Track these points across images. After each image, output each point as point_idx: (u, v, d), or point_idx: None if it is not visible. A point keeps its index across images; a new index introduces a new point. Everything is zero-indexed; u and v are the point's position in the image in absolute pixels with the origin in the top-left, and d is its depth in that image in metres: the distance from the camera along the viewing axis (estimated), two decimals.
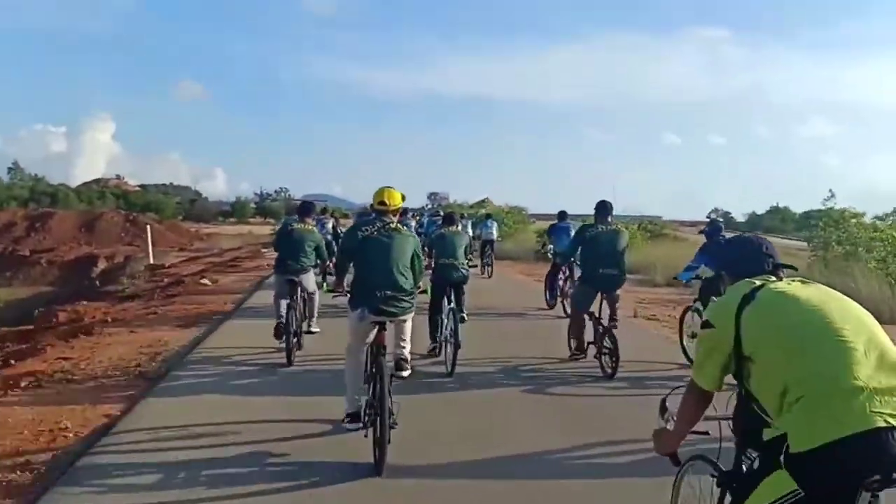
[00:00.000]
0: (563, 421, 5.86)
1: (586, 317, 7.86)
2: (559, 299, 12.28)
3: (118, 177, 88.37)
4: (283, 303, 7.99)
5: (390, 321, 5.15)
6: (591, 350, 7.75)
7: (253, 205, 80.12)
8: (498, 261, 19.98)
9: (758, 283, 2.43)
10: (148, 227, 30.06)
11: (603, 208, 7.99)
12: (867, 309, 2.38)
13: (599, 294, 7.85)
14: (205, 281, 16.89)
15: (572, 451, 5.07)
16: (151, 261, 25.01)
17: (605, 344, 7.47)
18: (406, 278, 5.16)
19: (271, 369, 7.51)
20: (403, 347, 5.45)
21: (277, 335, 7.91)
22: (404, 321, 5.31)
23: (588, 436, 5.39)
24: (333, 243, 9.84)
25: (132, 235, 39.06)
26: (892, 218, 16.08)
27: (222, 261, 24.44)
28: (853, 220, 15.92)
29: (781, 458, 2.10)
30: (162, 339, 9.17)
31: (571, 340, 8.15)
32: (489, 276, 17.64)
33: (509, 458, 4.88)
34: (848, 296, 2.44)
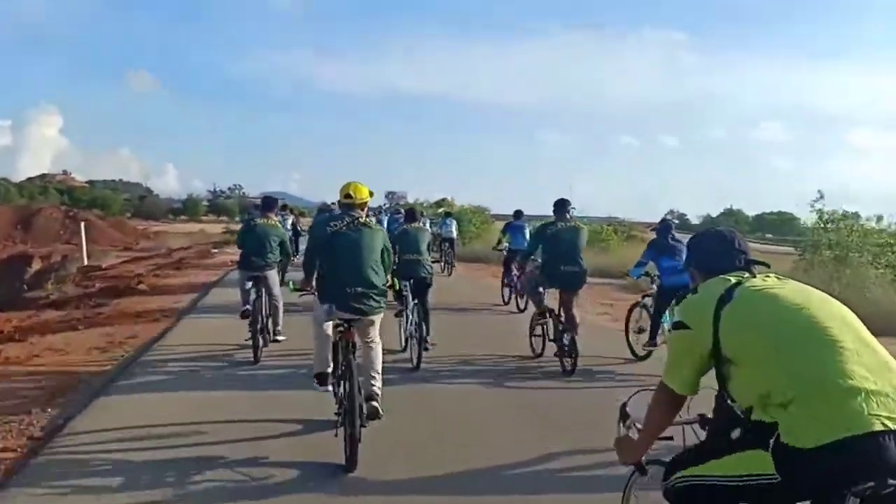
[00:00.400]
0: (523, 417, 5.88)
1: (547, 314, 7.90)
2: (513, 296, 12.83)
3: (65, 172, 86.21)
4: (249, 287, 7.92)
5: (360, 320, 5.03)
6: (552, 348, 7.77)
7: (206, 202, 78.81)
8: (468, 263, 20.52)
9: (733, 280, 2.31)
10: (83, 224, 27.66)
11: (562, 205, 8.01)
12: (882, 320, 2.28)
13: (558, 293, 7.85)
14: (143, 287, 15.13)
15: (537, 450, 5.01)
16: (86, 262, 23.25)
17: (564, 342, 7.51)
18: (377, 275, 5.09)
19: (238, 367, 7.40)
20: (374, 384, 5.06)
21: (244, 316, 7.84)
22: (373, 322, 5.17)
23: (547, 431, 5.42)
24: (292, 240, 9.68)
25: (72, 233, 37.02)
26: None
27: (167, 262, 22.87)
28: (842, 223, 15.05)
29: (771, 442, 1.99)
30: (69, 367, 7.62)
31: (533, 339, 8.22)
32: (449, 275, 17.83)
33: (477, 456, 4.83)
34: (859, 306, 2.39)
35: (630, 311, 8.66)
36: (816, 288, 2.36)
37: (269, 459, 4.68)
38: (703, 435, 2.56)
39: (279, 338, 8.36)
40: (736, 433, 2.13)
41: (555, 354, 7.69)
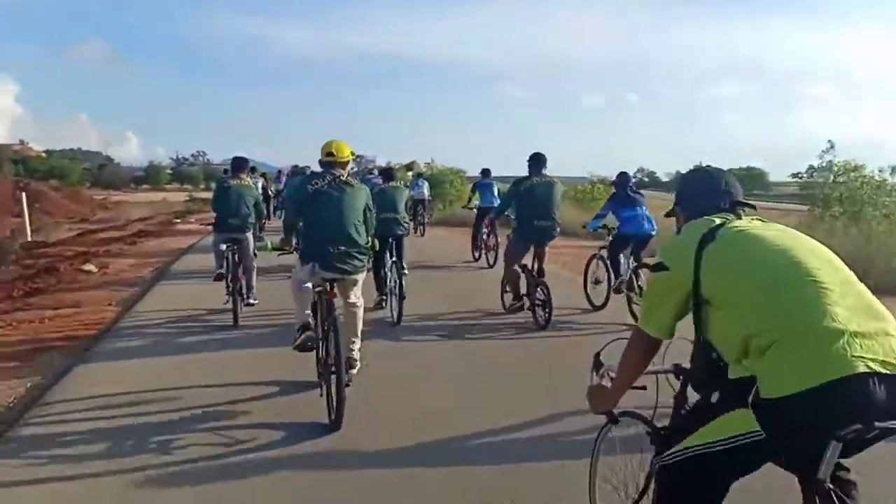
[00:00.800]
0: (502, 374, 5.86)
1: (519, 269, 7.93)
2: (483, 252, 13.16)
3: (21, 142, 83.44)
4: (223, 249, 7.81)
5: (342, 279, 5.02)
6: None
7: (168, 170, 77.04)
8: (453, 227, 20.38)
9: (717, 221, 2.22)
10: (24, 195, 24.32)
11: (537, 160, 7.97)
12: None
13: (532, 247, 7.90)
14: (89, 267, 12.59)
15: (519, 408, 5.08)
16: (29, 238, 20.58)
17: (538, 296, 7.58)
18: (360, 234, 5.03)
19: (215, 331, 7.32)
20: (353, 348, 5.13)
21: (218, 279, 7.84)
22: (356, 281, 5.14)
23: (508, 385, 5.46)
24: (263, 204, 9.52)
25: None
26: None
27: (123, 235, 20.77)
28: (853, 174, 14.33)
29: (750, 398, 1.90)
30: None
31: (505, 295, 8.27)
32: (422, 235, 18.13)
33: (460, 415, 4.85)
34: (875, 263, 2.21)
35: (588, 263, 8.88)
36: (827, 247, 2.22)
37: (254, 421, 4.64)
38: (678, 385, 2.52)
39: (252, 301, 8.23)
40: (714, 397, 2.05)
41: (528, 308, 7.72)
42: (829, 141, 14.59)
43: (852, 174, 14.53)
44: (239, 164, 8.49)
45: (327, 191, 5.00)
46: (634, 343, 2.35)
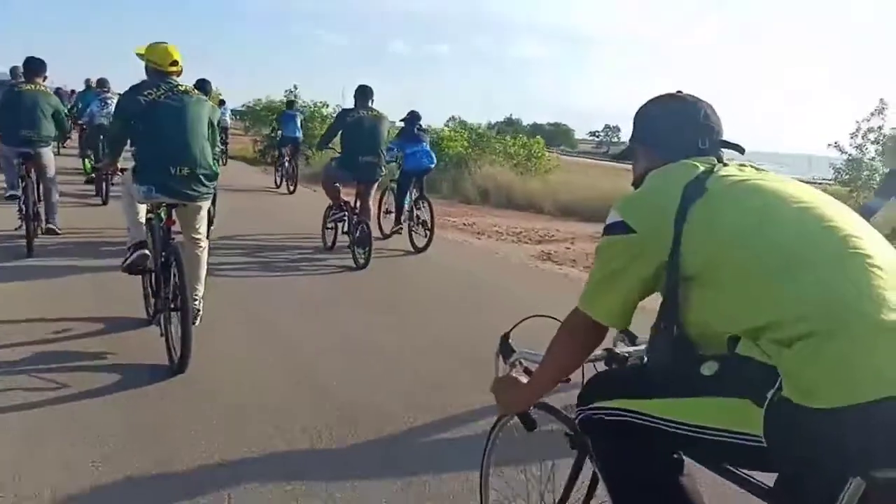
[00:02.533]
0: (321, 306, 5.79)
1: (342, 205, 7.79)
2: (284, 180, 14.24)
3: None
4: (17, 163, 6.72)
5: (185, 206, 4.47)
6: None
7: None
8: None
9: (701, 167, 1.61)
10: None
11: (363, 93, 7.75)
12: None
13: (355, 184, 7.73)
14: None
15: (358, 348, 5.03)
16: None
17: (358, 235, 7.47)
18: (206, 152, 4.41)
19: (7, 259, 6.40)
20: (196, 296, 4.54)
21: (10, 199, 6.77)
22: (200, 209, 4.59)
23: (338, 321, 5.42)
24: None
25: None
26: None
27: None
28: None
29: (771, 394, 1.34)
30: None
31: (326, 231, 8.16)
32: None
33: (303, 357, 4.74)
34: None
35: (381, 195, 9.23)
36: None
37: (81, 364, 4.15)
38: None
39: (53, 227, 7.12)
40: (709, 368, 1.45)
41: (347, 247, 7.61)
42: (881, 99, 12.32)
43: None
44: (34, 67, 7.18)
45: (166, 102, 4.30)
46: (572, 329, 1.72)
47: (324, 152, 12.19)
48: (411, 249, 8.39)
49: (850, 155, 12.51)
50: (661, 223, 1.54)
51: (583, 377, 1.85)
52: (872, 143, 12.14)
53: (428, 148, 8.84)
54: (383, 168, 7.88)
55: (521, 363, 1.99)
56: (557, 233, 11.13)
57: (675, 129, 1.76)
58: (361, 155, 7.54)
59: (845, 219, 1.50)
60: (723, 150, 1.77)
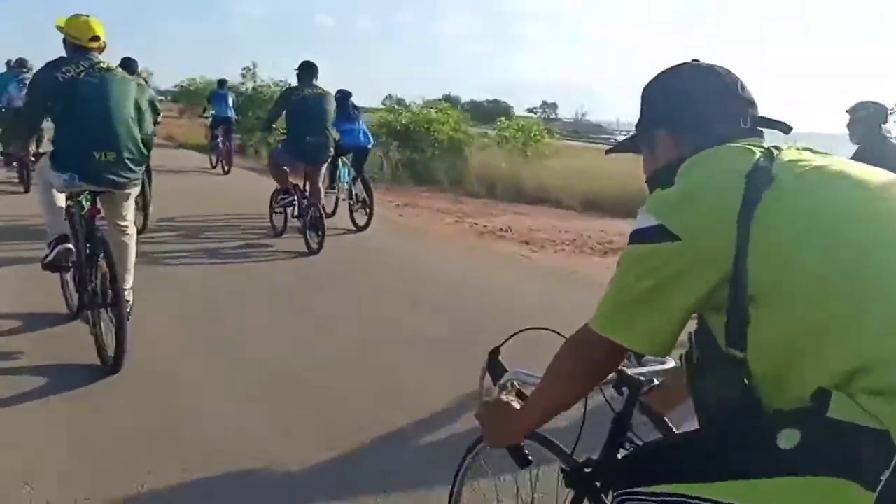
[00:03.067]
0: (281, 302, 5.39)
1: (291, 189, 7.38)
2: (219, 160, 13.91)
3: None
4: None
5: (111, 194, 3.98)
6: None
7: None
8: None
9: (756, 151, 1.21)
10: None
11: (308, 70, 7.33)
12: None
13: (303, 166, 7.34)
14: None
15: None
16: None
17: (309, 218, 7.07)
18: (133, 135, 3.94)
19: None
20: (125, 287, 3.98)
21: None
22: (128, 196, 4.10)
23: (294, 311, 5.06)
24: None
25: None
26: None
27: None
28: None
29: (888, 472, 0.98)
30: None
31: (274, 216, 7.69)
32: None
33: (247, 347, 4.32)
34: None
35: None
36: None
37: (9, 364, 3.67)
38: (621, 403, 1.55)
39: None
40: (788, 438, 1.05)
41: (299, 231, 7.18)
42: None
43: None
44: None
45: (86, 80, 3.81)
46: (583, 351, 1.33)
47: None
48: (352, 228, 8.29)
49: None
50: (720, 226, 1.14)
51: (584, 408, 1.55)
52: None
53: (364, 127, 8.79)
54: (332, 148, 7.44)
55: (513, 385, 1.62)
56: (614, 237, 8.56)
57: (713, 105, 1.35)
58: (309, 135, 7.10)
59: None
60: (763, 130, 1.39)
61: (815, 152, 1.28)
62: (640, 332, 1.23)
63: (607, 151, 1.75)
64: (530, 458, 1.58)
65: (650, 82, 1.46)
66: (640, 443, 1.49)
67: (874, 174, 1.23)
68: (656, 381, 1.58)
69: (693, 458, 1.25)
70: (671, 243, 1.17)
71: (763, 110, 1.38)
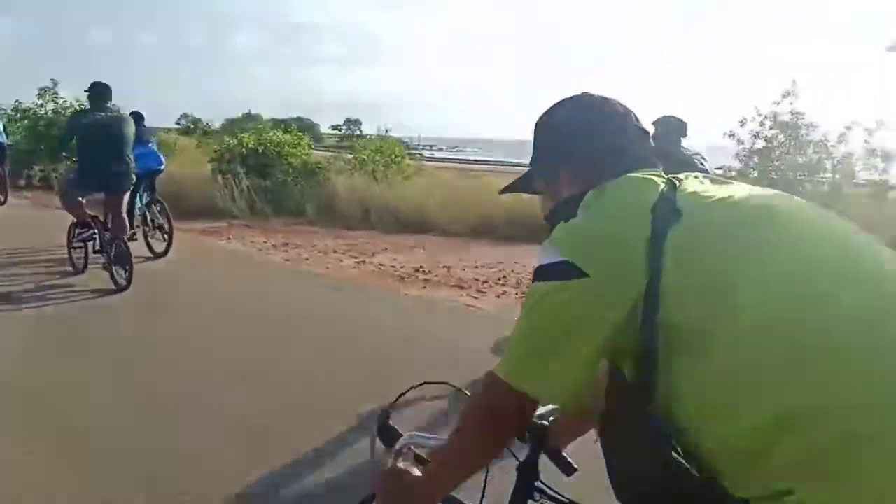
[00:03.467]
0: (80, 353, 4.90)
1: (90, 222, 6.74)
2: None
3: None
4: None
5: None
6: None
7: None
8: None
9: (660, 181, 1.18)
10: None
11: (99, 92, 6.77)
12: None
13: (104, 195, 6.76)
14: None
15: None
16: None
17: (114, 253, 6.50)
18: None
19: None
20: None
21: None
22: None
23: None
24: None
25: None
26: None
27: None
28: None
29: None
30: None
31: (73, 251, 6.99)
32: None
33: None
34: None
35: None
36: None
37: None
38: (525, 452, 1.47)
39: None
40: None
41: (104, 268, 6.60)
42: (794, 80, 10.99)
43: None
44: None
45: None
46: (493, 407, 1.20)
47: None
48: (150, 255, 7.90)
49: (755, 142, 11.13)
50: (628, 259, 1.07)
51: (485, 478, 1.43)
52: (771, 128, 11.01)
53: (156, 149, 8.60)
54: (133, 175, 6.91)
55: (409, 450, 1.45)
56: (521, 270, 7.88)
57: (612, 137, 1.31)
58: (106, 162, 6.54)
59: (869, 247, 1.11)
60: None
61: (713, 181, 1.23)
62: (555, 380, 1.12)
63: (501, 191, 1.65)
64: None
65: (544, 117, 1.41)
66: (551, 492, 1.40)
67: (779, 199, 1.20)
68: (551, 417, 1.49)
69: None
70: (579, 280, 1.08)
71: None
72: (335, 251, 9.09)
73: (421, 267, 8.10)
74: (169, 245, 7.90)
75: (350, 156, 14.94)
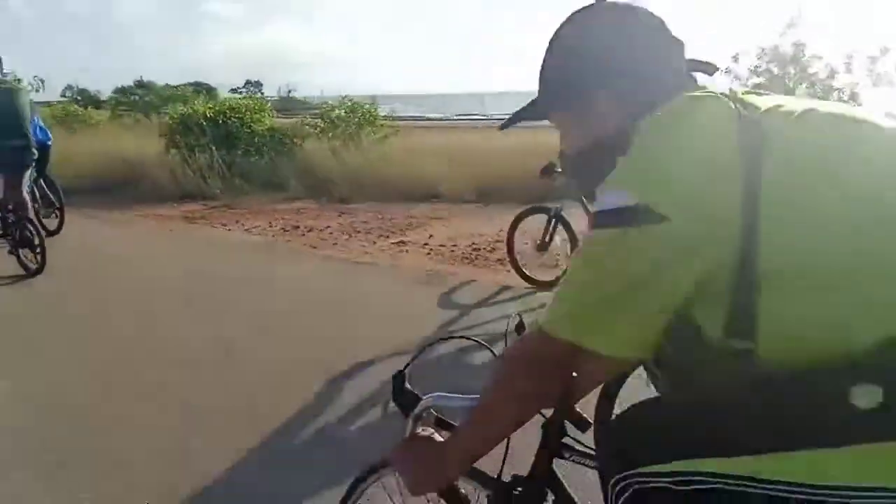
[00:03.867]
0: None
1: None
2: None
3: None
4: None
5: None
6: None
7: None
8: None
9: (728, 102, 1.01)
10: None
11: None
12: None
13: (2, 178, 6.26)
14: None
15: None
16: None
17: (19, 236, 6.08)
18: None
19: None
20: None
21: None
22: None
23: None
24: None
25: None
26: None
27: None
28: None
29: None
30: None
31: None
32: None
33: None
34: None
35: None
36: None
37: None
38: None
39: None
40: (867, 396, 0.85)
41: (9, 253, 6.19)
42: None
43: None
44: None
45: None
46: (540, 364, 1.09)
47: None
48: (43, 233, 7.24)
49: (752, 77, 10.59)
50: (717, 197, 0.92)
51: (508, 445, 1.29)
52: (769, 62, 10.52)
53: (41, 123, 7.87)
54: (34, 150, 6.43)
55: (430, 413, 1.33)
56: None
57: (654, 52, 1.11)
58: (4, 137, 6.09)
59: None
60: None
61: (766, 94, 1.09)
62: (622, 335, 1.00)
63: (502, 126, 1.37)
64: (469, 499, 1.32)
65: (564, 32, 1.17)
66: (579, 448, 1.28)
67: (847, 109, 1.05)
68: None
69: (720, 424, 0.97)
70: (657, 225, 0.93)
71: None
72: (357, 231, 7.74)
73: (474, 243, 6.83)
74: (61, 222, 7.63)
75: (317, 119, 13.37)
